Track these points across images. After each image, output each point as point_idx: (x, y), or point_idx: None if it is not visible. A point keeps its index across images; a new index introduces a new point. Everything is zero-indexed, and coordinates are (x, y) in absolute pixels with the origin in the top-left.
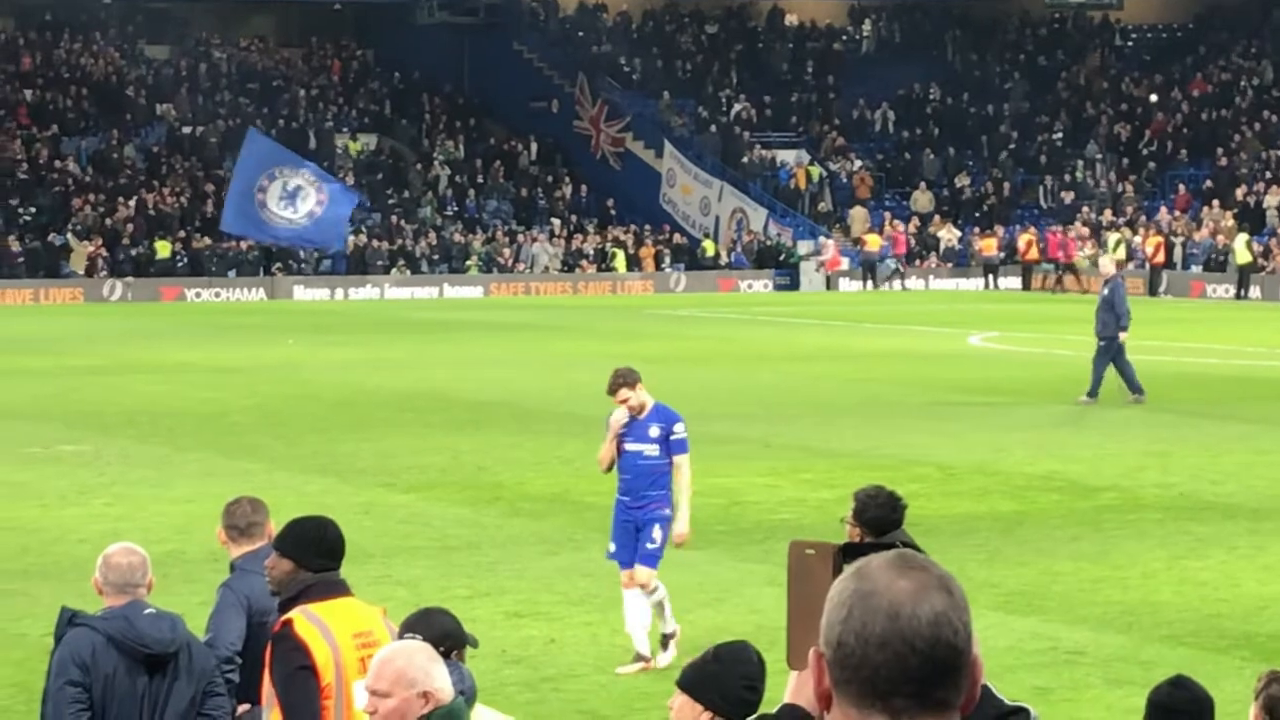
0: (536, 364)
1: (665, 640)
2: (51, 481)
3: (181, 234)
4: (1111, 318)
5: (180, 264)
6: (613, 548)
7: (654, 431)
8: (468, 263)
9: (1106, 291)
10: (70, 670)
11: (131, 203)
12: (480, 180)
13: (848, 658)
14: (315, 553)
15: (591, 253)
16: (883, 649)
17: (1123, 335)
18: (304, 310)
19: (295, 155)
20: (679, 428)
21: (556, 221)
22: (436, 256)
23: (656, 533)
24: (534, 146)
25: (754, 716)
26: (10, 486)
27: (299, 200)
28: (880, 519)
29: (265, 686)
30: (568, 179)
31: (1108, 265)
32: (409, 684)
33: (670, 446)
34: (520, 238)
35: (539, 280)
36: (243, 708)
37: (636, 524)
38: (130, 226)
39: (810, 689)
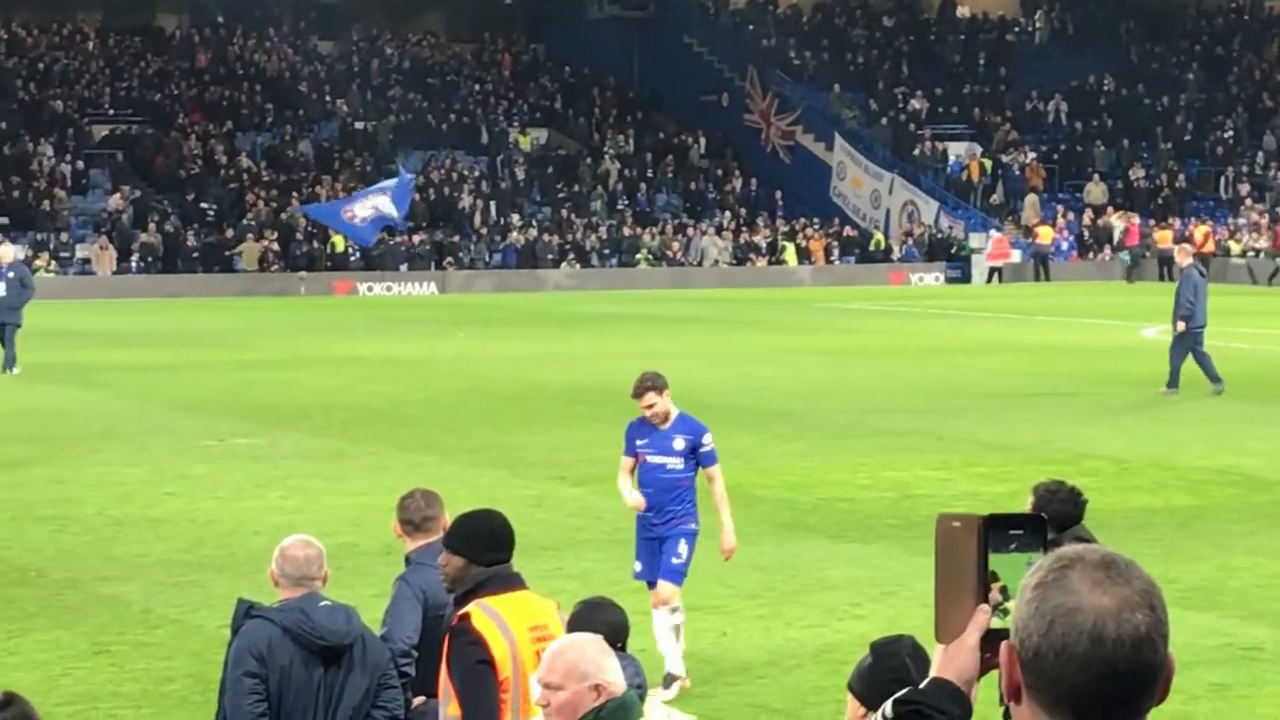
0: (706, 357)
1: (668, 681)
2: (227, 475)
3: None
4: (1195, 307)
5: (353, 258)
6: (638, 566)
7: (678, 444)
8: (637, 256)
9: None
10: (247, 661)
11: (305, 197)
12: (650, 174)
13: (1045, 670)
14: (485, 547)
15: (762, 246)
16: (1084, 670)
17: (1180, 325)
18: (474, 304)
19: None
20: (708, 439)
21: (726, 215)
22: (607, 250)
23: (682, 547)
24: (703, 140)
25: (902, 691)
26: (186, 480)
27: (371, 211)
28: (1062, 514)
29: (442, 680)
30: (737, 172)
31: (1183, 256)
32: (581, 676)
33: (700, 459)
34: (690, 231)
35: (705, 272)
36: (418, 700)
37: (660, 539)
38: (302, 220)
39: (960, 660)
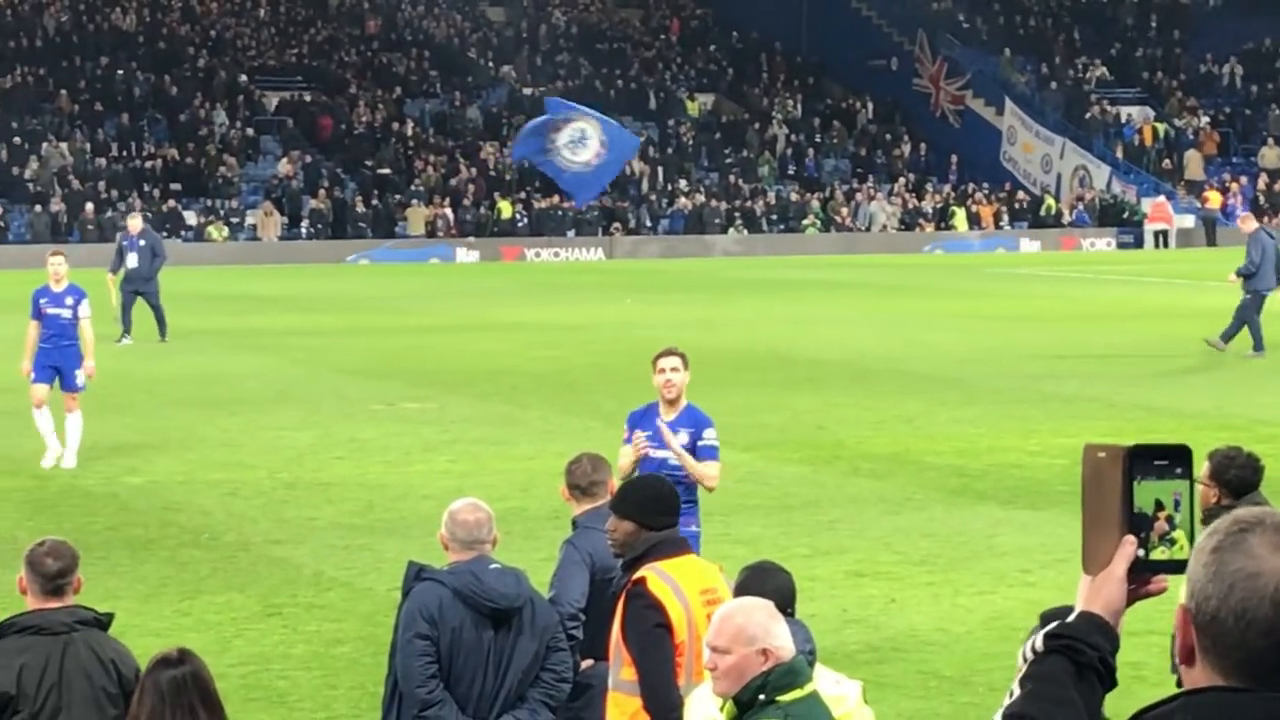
0: (874, 323)
1: None
2: (396, 439)
3: (522, 194)
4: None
5: (521, 224)
6: None
7: (681, 438)
8: (805, 222)
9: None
10: (418, 624)
11: (473, 163)
12: (818, 139)
13: (1224, 635)
14: (655, 511)
15: (930, 211)
16: (1265, 636)
17: (1231, 278)
18: (641, 269)
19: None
20: (710, 433)
21: (895, 180)
22: (774, 216)
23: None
24: (871, 105)
25: (1050, 625)
26: (356, 444)
27: (582, 147)
28: (1241, 480)
29: (613, 643)
30: (906, 137)
31: (1247, 221)
32: (748, 640)
33: (698, 454)
34: (858, 196)
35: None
36: (586, 663)
37: None
38: (472, 187)
39: (1107, 592)
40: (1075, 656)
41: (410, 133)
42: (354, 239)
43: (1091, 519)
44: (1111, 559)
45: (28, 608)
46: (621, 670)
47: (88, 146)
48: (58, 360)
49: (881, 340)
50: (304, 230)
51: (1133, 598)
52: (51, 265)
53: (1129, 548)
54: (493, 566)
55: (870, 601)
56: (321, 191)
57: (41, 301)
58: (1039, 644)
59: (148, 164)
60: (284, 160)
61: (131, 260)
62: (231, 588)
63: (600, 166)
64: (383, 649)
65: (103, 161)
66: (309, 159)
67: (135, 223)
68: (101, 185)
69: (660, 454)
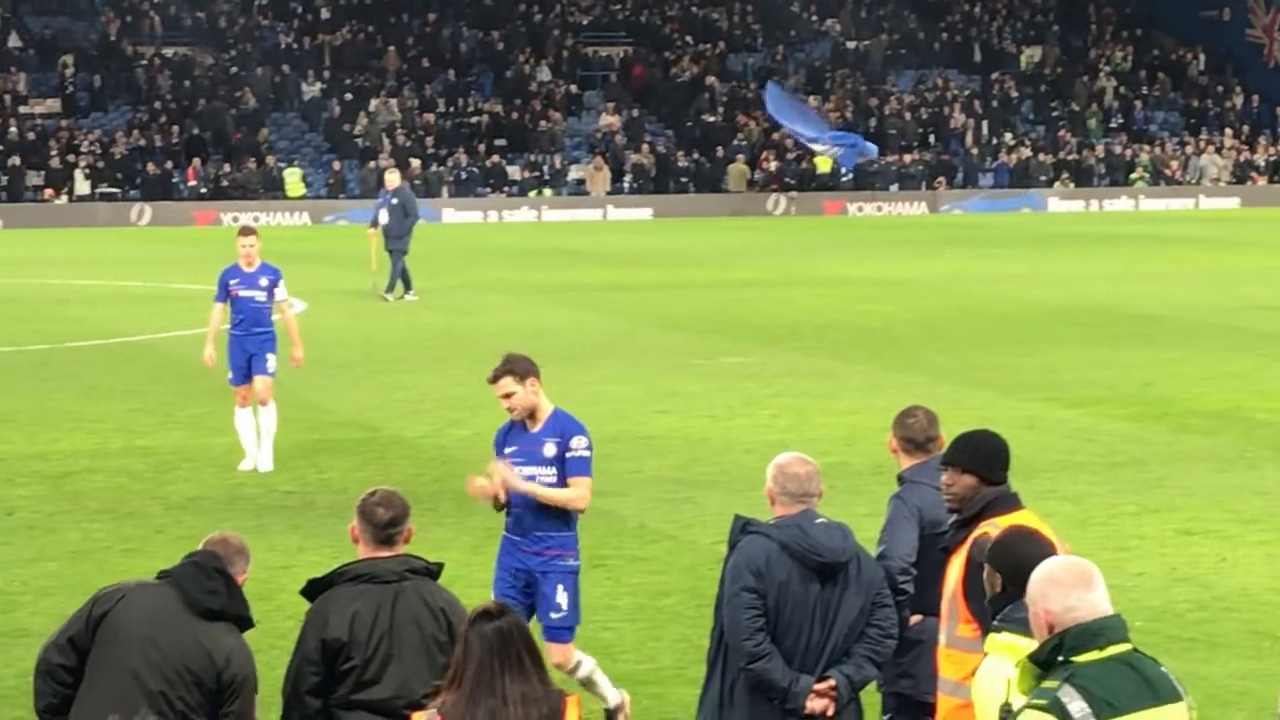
0: (1205, 277)
1: (610, 717)
2: (719, 393)
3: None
4: None
5: (845, 178)
6: (492, 596)
7: (549, 449)
8: (1133, 175)
9: None
10: (745, 577)
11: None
12: (1146, 91)
13: None
14: (995, 466)
15: (1263, 164)
16: None
17: None
18: (965, 223)
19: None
20: (579, 442)
21: (1227, 133)
22: (1101, 169)
23: (561, 596)
24: (1203, 56)
25: None
26: (679, 398)
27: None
28: None
29: (948, 599)
30: (1238, 89)
31: None
32: (1032, 600)
33: (566, 467)
34: (1188, 149)
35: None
36: (915, 619)
37: (529, 577)
38: (791, 142)
39: None
40: None
41: (734, 87)
42: (676, 194)
43: None
44: None
45: (359, 556)
46: (958, 627)
47: (415, 103)
48: (250, 348)
49: (1212, 295)
50: (626, 185)
51: None
52: (242, 246)
53: None
54: (819, 521)
55: (1200, 560)
56: (645, 146)
57: (231, 283)
58: None
59: (473, 120)
60: (609, 116)
61: (383, 217)
62: None
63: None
64: (706, 602)
65: (430, 117)
66: (633, 114)
67: (393, 178)
68: (429, 141)
69: (527, 470)
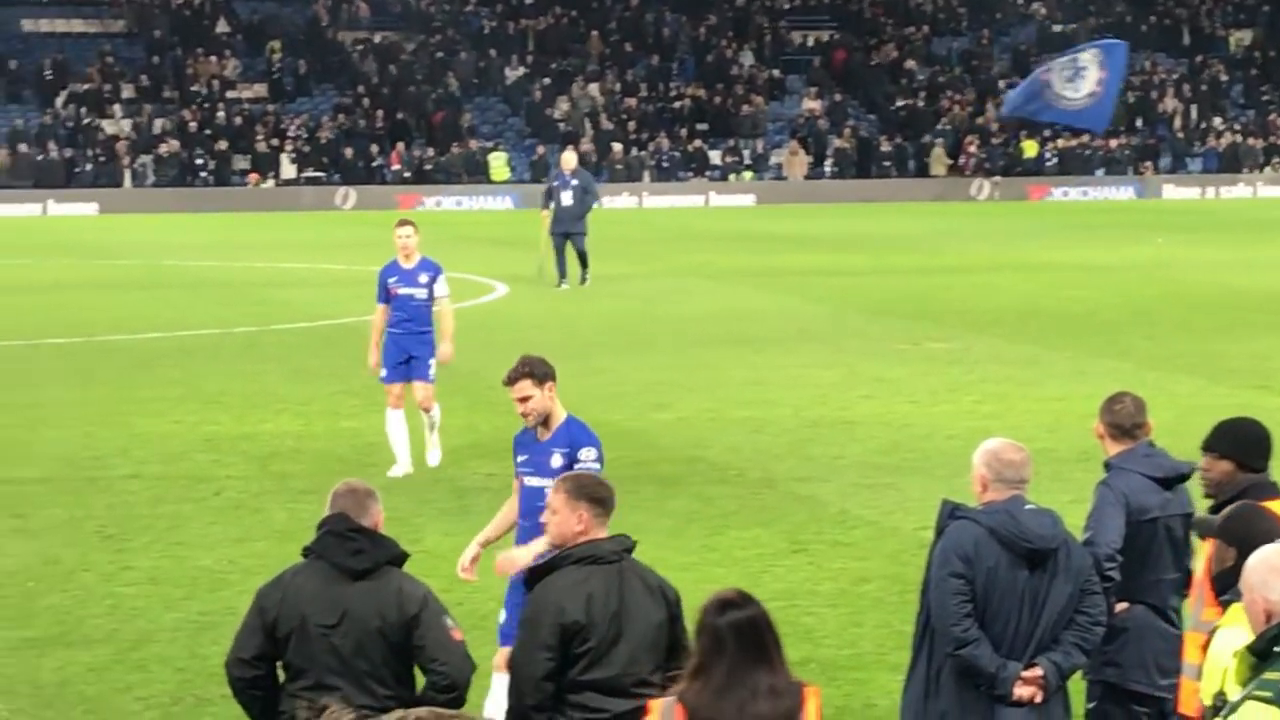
0: None
1: None
2: (922, 379)
3: (1047, 132)
4: None
5: (1050, 162)
6: (503, 616)
7: (556, 461)
8: None
9: None
10: (953, 562)
11: (999, 102)
12: None
13: None
14: (1256, 453)
15: None
16: None
17: None
18: (1174, 209)
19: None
20: (587, 453)
21: None
22: None
23: None
24: None
25: None
26: (882, 383)
27: (1080, 80)
28: None
29: (1194, 584)
30: None
31: None
32: (1249, 587)
33: None
34: None
35: None
36: (1121, 607)
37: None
38: (996, 125)
39: None
40: None
41: (937, 71)
42: (877, 179)
43: None
44: None
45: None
46: (1204, 611)
47: (617, 87)
48: (410, 348)
49: None
50: (827, 169)
51: None
52: (400, 237)
53: None
54: (1028, 507)
55: None
56: (846, 131)
57: (390, 281)
58: None
59: (675, 104)
60: (811, 100)
61: (565, 198)
62: (757, 524)
63: (1106, 88)
64: (909, 588)
65: (631, 102)
66: (836, 98)
67: (569, 160)
68: (630, 125)
69: (535, 482)
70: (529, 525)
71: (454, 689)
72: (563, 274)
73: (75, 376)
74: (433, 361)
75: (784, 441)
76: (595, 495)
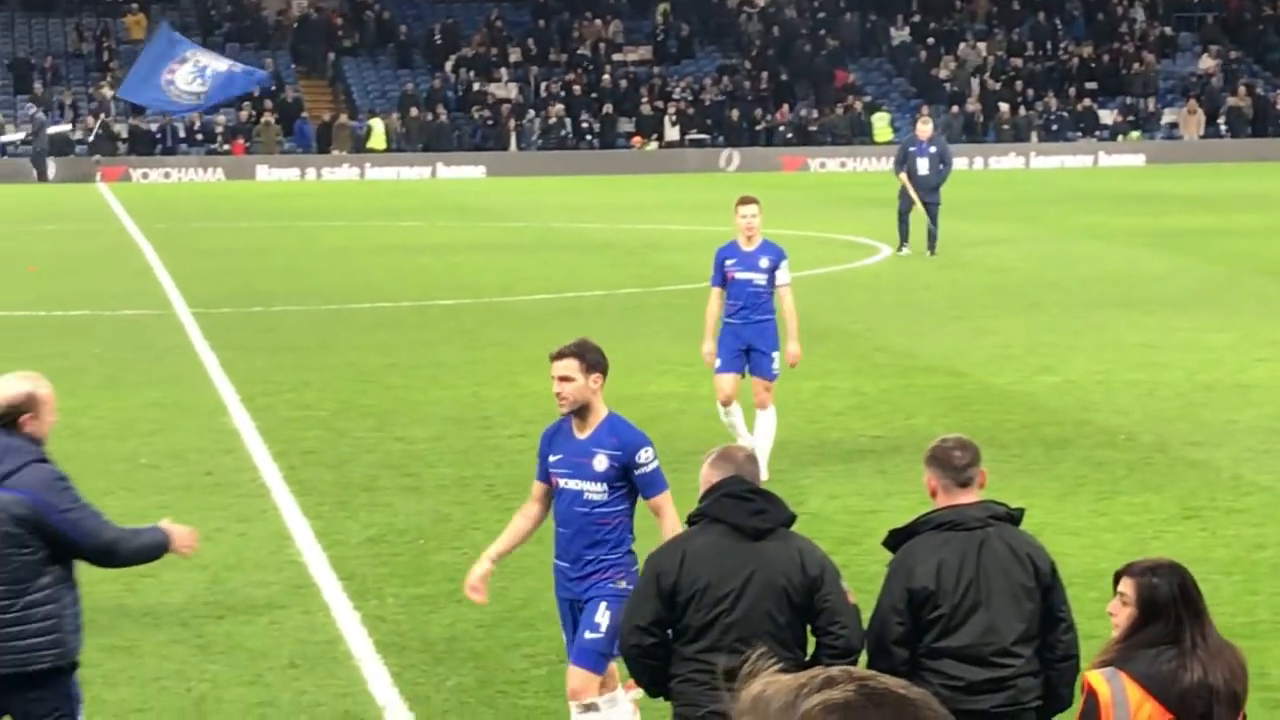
0: None
1: None
2: None
3: None
4: None
5: None
6: (566, 638)
7: (600, 463)
8: None
9: None
10: None
11: None
12: None
13: None
14: None
15: None
16: None
17: None
18: None
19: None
20: (644, 455)
21: None
22: None
23: (601, 614)
24: None
25: None
26: (1278, 346)
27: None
28: None
29: None
30: None
31: None
32: None
33: (640, 485)
34: None
35: None
36: None
37: (576, 601)
38: None
39: None
40: None
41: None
42: (1274, 138)
43: None
44: None
45: (937, 506)
46: None
47: (1004, 46)
48: (749, 338)
49: None
50: (1222, 128)
51: None
52: (742, 216)
53: None
54: None
55: None
56: (1241, 89)
57: (728, 264)
58: None
59: (1064, 62)
60: (1209, 58)
61: (922, 167)
62: (1148, 489)
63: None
64: None
65: (1018, 61)
66: (1231, 55)
67: (925, 128)
68: (1018, 85)
69: (573, 485)
70: (567, 533)
71: (850, 653)
72: (903, 238)
73: (464, 337)
74: (776, 356)
75: (1175, 405)
76: (940, 458)
